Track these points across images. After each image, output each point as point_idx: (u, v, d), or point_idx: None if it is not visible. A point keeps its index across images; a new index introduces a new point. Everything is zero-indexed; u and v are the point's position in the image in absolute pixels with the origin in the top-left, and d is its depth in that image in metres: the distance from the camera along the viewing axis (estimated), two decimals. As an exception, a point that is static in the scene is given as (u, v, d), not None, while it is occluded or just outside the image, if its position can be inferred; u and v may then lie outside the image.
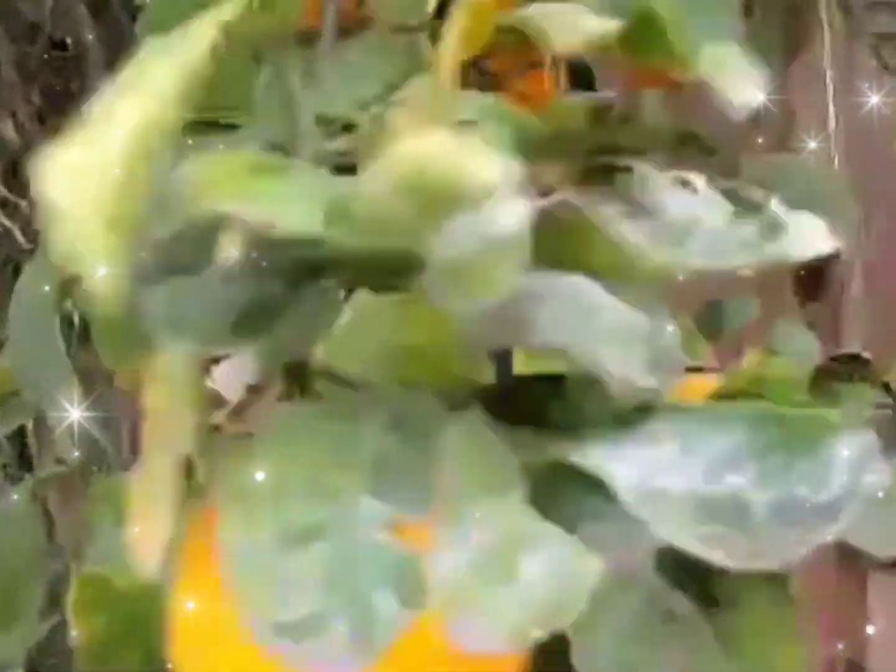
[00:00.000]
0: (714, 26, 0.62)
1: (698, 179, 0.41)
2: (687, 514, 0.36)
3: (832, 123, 0.77)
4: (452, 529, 0.31)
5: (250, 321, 0.36)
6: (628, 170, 0.42)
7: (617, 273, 0.35)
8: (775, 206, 0.41)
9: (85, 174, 0.33)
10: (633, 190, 0.41)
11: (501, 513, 0.32)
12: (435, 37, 0.46)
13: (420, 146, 0.31)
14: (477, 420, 0.35)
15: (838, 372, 0.60)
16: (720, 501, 0.36)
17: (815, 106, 0.81)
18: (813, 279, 0.86)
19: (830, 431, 0.36)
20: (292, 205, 0.35)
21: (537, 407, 0.39)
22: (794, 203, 0.58)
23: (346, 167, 0.44)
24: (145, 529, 0.35)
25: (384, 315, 0.41)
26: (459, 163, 0.30)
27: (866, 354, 0.60)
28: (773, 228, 0.40)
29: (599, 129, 0.42)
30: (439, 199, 0.30)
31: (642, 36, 0.38)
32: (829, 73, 0.77)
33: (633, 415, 0.38)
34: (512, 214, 0.30)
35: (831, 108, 0.78)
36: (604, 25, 0.38)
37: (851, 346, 0.85)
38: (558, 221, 0.32)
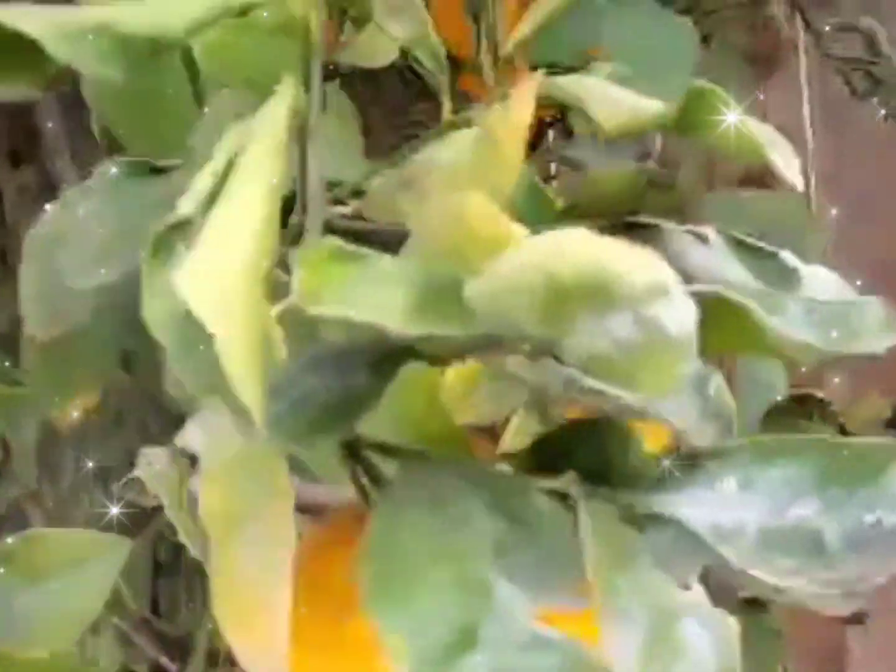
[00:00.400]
0: (668, 56, 0.64)
1: (710, 231, 0.43)
2: (763, 547, 0.38)
3: (809, 142, 0.79)
4: (612, 613, 0.32)
5: (333, 416, 0.35)
6: (651, 227, 0.43)
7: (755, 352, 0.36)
8: (786, 255, 0.42)
9: (226, 279, 0.32)
10: (660, 247, 0.42)
11: (647, 588, 0.33)
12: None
13: (555, 245, 0.31)
14: (583, 495, 0.35)
15: (798, 411, 0.61)
16: (792, 534, 0.38)
17: (791, 126, 0.82)
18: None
19: (891, 458, 0.38)
20: (376, 296, 0.34)
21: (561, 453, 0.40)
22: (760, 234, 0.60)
23: (356, 232, 0.44)
24: (263, 637, 0.34)
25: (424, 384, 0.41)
26: (611, 266, 0.30)
27: (821, 394, 0.61)
28: (787, 277, 0.41)
29: (632, 193, 0.42)
30: (585, 300, 0.30)
31: (696, 114, 0.39)
32: (805, 94, 0.78)
33: (683, 458, 0.39)
34: (683, 316, 0.30)
35: (808, 128, 0.79)
36: (656, 105, 0.39)
37: (832, 375, 0.86)
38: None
